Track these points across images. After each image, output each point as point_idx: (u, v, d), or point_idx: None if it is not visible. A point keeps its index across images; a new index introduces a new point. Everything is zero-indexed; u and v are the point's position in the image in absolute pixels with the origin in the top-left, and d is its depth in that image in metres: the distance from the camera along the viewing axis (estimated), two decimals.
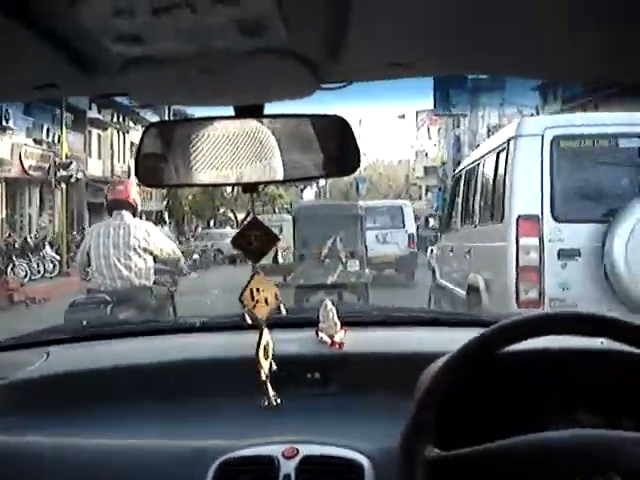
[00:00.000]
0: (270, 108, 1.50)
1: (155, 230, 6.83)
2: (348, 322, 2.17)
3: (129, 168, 35.13)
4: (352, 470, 1.72)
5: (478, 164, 8.44)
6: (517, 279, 6.18)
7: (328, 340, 2.10)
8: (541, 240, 6.08)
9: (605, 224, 6.06)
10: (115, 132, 39.94)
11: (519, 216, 6.24)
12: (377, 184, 67.42)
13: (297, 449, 1.76)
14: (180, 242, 28.72)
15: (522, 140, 6.58)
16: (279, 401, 1.98)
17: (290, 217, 16.76)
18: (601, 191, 6.39)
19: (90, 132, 36.52)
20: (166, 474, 1.83)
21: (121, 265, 6.38)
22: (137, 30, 1.01)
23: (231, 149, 1.55)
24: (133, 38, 1.03)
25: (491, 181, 7.46)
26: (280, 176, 1.63)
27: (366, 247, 14.97)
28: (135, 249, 6.42)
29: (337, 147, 1.60)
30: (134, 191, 6.83)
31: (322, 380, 2.07)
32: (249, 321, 1.96)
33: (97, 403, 2.06)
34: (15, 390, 2.13)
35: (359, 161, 1.62)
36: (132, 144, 38.20)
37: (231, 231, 32.17)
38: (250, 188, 1.71)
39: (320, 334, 2.11)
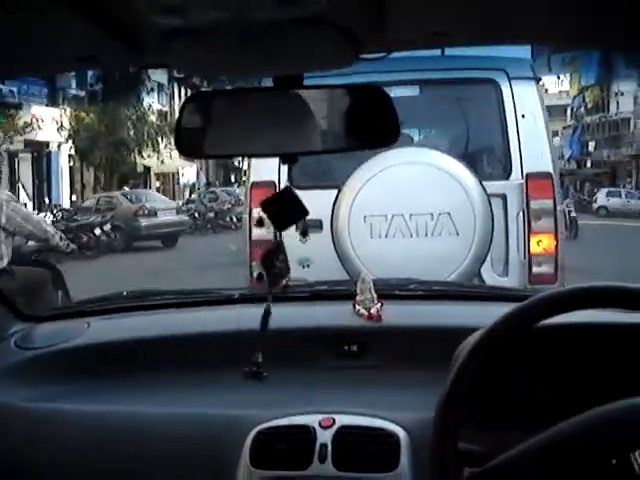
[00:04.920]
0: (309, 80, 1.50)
1: (10, 201, 6.01)
2: (385, 295, 2.18)
3: None
4: (388, 440, 1.74)
5: None
6: None
7: (365, 313, 2.11)
8: None
9: None
10: None
11: None
12: None
13: (333, 419, 1.78)
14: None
15: None
16: (302, 375, 2.01)
17: None
18: None
19: None
20: (204, 442, 1.86)
21: None
22: (178, 1, 1.01)
23: (270, 120, 1.55)
24: (174, 9, 1.04)
25: None
26: (318, 147, 1.63)
27: None
28: None
29: (376, 118, 1.59)
30: None
31: (359, 352, 2.08)
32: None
33: (136, 373, 2.09)
34: (58, 359, 2.17)
35: (398, 132, 1.61)
36: None
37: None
38: (289, 159, 1.71)
39: (357, 307, 2.12)
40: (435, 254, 4.72)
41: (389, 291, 2.30)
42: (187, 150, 1.72)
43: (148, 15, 1.06)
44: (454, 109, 5.68)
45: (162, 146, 33.92)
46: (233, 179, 46.30)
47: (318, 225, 4.95)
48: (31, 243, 6.58)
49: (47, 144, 30.48)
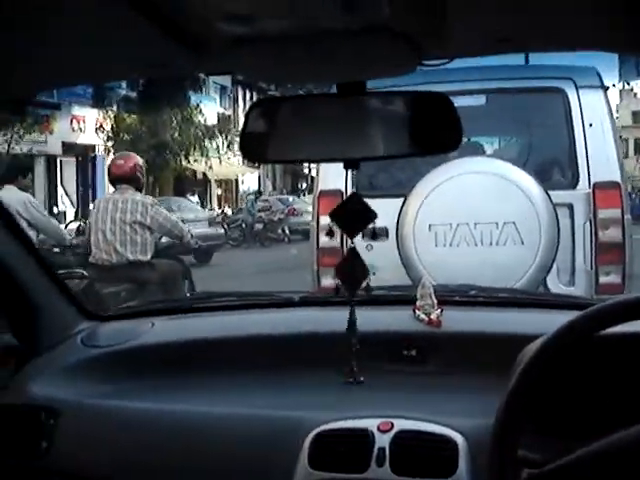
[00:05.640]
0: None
1: (154, 205, 6.73)
2: (445, 301, 2.18)
3: None
4: (446, 447, 1.73)
5: None
6: None
7: (425, 318, 2.11)
8: None
9: None
10: None
11: None
12: None
13: (392, 423, 1.78)
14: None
15: None
16: (362, 378, 2.02)
17: None
18: None
19: None
20: (262, 443, 1.88)
21: (116, 240, 6.42)
22: (245, 10, 1.04)
23: (333, 126, 1.58)
24: (241, 18, 1.07)
25: None
26: (380, 152, 1.65)
27: None
28: (131, 224, 6.43)
29: (438, 124, 1.60)
30: (136, 165, 6.77)
31: (418, 357, 2.08)
32: (341, 296, 1.99)
33: (198, 373, 2.13)
34: (122, 358, 2.22)
35: (461, 138, 1.61)
36: None
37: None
38: (351, 164, 1.73)
39: (417, 312, 2.13)
40: (500, 263, 4.70)
41: (450, 297, 2.30)
42: (251, 155, 1.75)
43: (216, 23, 1.09)
44: (520, 118, 5.65)
45: (222, 151, 32.75)
46: (304, 186, 42.95)
47: (384, 233, 4.96)
48: (164, 240, 7.20)
49: (93, 147, 29.10)
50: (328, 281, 5.32)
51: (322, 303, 2.49)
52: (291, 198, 32.01)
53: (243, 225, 26.06)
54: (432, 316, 2.11)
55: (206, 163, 31.57)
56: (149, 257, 6.58)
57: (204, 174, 34.33)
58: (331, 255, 5.13)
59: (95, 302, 5.98)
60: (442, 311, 2.13)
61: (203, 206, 30.65)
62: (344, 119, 1.57)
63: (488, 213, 4.84)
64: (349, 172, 1.70)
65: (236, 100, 39.88)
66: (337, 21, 1.09)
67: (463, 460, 1.72)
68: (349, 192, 1.90)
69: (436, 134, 1.62)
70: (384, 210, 4.61)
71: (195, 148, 30.73)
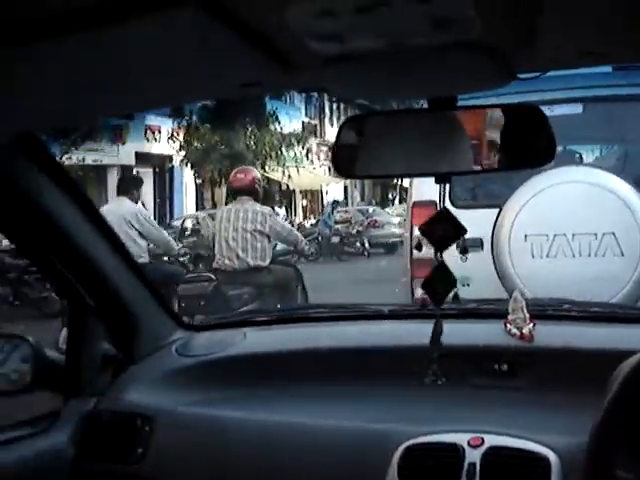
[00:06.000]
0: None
1: (272, 215, 7.42)
2: (537, 315, 2.15)
3: None
4: (538, 464, 1.71)
5: None
6: None
7: (517, 332, 2.09)
8: None
9: None
10: None
11: None
12: None
13: (482, 439, 1.76)
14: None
15: None
16: (451, 392, 2.00)
17: None
18: None
19: None
20: (351, 456, 1.89)
21: (238, 247, 7.04)
22: (338, 29, 1.05)
23: (424, 140, 1.58)
24: (334, 37, 1.08)
25: None
26: (471, 167, 1.64)
27: None
28: (251, 232, 7.04)
29: (531, 137, 1.59)
30: (254, 178, 7.41)
31: (510, 372, 2.06)
32: (429, 309, 1.99)
33: (287, 384, 2.15)
34: (215, 367, 2.26)
35: (554, 151, 1.59)
36: None
37: None
38: (442, 179, 1.73)
39: (509, 326, 2.10)
40: (598, 275, 4.59)
41: (542, 311, 2.26)
42: (343, 171, 1.77)
43: (308, 41, 1.11)
44: (618, 126, 5.51)
45: (300, 160, 31.52)
46: (396, 197, 41.27)
47: (478, 244, 4.95)
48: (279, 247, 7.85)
49: (170, 158, 28.58)
50: (422, 292, 5.31)
51: (411, 316, 2.48)
52: (372, 209, 31.04)
53: (319, 238, 24.52)
54: (524, 330, 2.08)
55: (283, 173, 30.08)
56: (267, 263, 7.18)
57: (287, 185, 33.07)
58: (425, 266, 5.10)
59: (221, 303, 6.96)
60: (534, 325, 2.10)
61: (288, 218, 29.35)
62: (435, 134, 1.57)
63: (586, 223, 4.73)
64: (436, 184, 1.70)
65: (322, 109, 39.24)
66: (428, 38, 1.10)
67: (556, 478, 1.69)
68: (443, 203, 1.90)
69: (528, 148, 1.60)
70: (479, 221, 4.68)
71: (271, 157, 29.19)
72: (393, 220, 25.96)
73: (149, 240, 7.88)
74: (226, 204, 9.14)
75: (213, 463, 2.03)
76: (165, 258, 8.43)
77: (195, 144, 27.42)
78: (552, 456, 1.71)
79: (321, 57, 1.17)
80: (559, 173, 4.81)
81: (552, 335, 2.14)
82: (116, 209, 7.70)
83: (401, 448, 1.80)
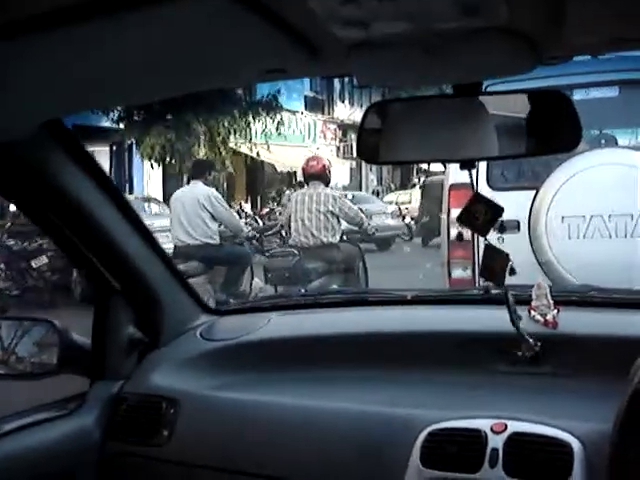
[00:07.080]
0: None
1: (341, 197, 8.48)
2: (562, 301, 2.12)
3: None
4: (561, 450, 1.69)
5: None
6: None
7: (541, 319, 2.07)
8: None
9: None
10: None
11: None
12: None
13: (506, 424, 1.76)
14: None
15: None
16: (474, 378, 2.02)
17: None
18: None
19: None
20: (374, 440, 1.90)
21: (312, 226, 8.05)
22: (363, 15, 1.05)
23: (449, 126, 1.57)
24: (359, 23, 1.08)
25: None
26: (496, 152, 1.63)
27: None
28: (324, 213, 8.04)
29: (557, 123, 1.57)
30: (325, 166, 8.37)
31: (534, 358, 2.04)
32: (448, 295, 1.98)
33: (312, 368, 2.16)
34: (239, 351, 2.28)
35: (580, 137, 1.58)
36: None
37: None
38: (467, 164, 1.72)
39: (533, 312, 2.08)
40: (635, 255, 4.60)
41: (567, 297, 2.24)
42: (366, 156, 1.77)
43: (334, 28, 1.10)
44: None
45: (309, 140, 29.59)
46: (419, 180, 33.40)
47: (515, 226, 4.97)
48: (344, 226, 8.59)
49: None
50: (459, 273, 5.35)
51: (434, 301, 2.47)
52: (357, 194, 24.12)
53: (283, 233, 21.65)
54: (548, 317, 2.06)
55: (251, 149, 24.24)
56: (337, 240, 8.21)
57: (289, 171, 27.87)
58: (462, 248, 5.14)
59: (302, 276, 7.92)
60: (559, 312, 2.08)
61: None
62: (460, 120, 1.56)
63: (623, 204, 4.75)
64: (481, 165, 1.70)
65: (331, 82, 32.24)
66: (456, 23, 1.09)
67: (578, 465, 1.67)
68: (478, 187, 1.89)
69: (554, 133, 1.59)
70: (516, 203, 4.72)
71: (235, 131, 22.59)
72: (387, 209, 23.02)
73: (221, 222, 8.52)
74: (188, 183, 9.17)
75: (237, 446, 2.05)
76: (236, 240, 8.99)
77: (135, 116, 21.09)
78: (575, 443, 1.70)
79: (347, 43, 1.17)
80: (595, 155, 4.82)
81: (576, 322, 2.12)
82: (190, 192, 8.53)
83: (424, 433, 1.80)
